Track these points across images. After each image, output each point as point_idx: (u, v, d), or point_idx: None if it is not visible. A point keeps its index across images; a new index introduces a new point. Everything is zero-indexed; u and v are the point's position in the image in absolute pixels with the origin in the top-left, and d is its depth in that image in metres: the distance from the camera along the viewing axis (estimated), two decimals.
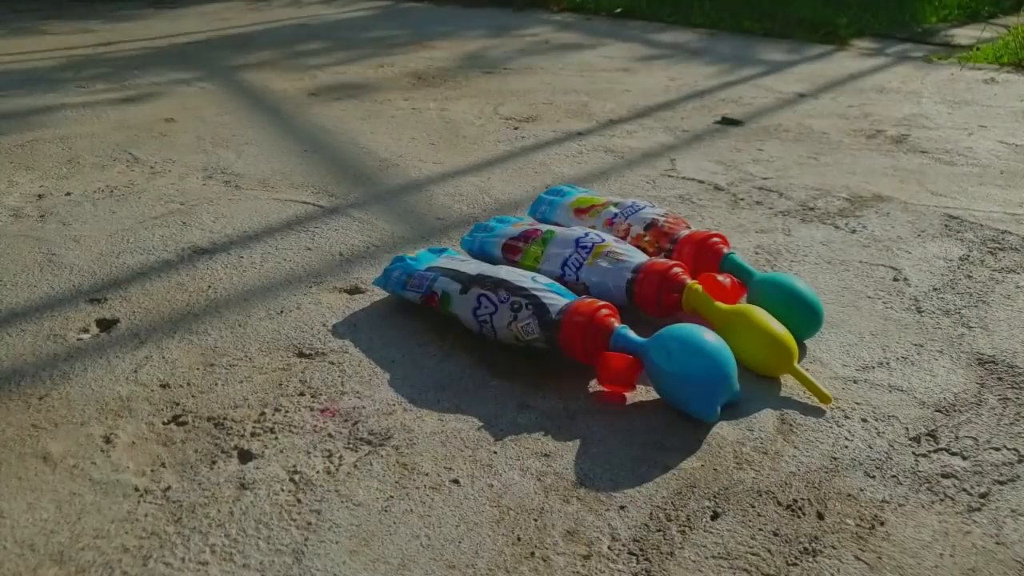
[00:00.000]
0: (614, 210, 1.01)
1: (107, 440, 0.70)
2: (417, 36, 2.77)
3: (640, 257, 0.88)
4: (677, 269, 0.85)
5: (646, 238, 0.96)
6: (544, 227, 0.97)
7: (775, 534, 0.60)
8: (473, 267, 0.88)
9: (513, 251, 0.96)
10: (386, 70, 2.22)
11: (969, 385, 0.77)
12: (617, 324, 0.77)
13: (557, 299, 0.80)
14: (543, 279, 0.83)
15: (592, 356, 0.76)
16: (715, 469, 0.66)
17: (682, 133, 1.62)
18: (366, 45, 2.61)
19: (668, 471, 0.66)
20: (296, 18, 3.23)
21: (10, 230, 1.15)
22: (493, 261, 0.96)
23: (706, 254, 0.92)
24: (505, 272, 0.85)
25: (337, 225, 1.16)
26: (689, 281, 0.85)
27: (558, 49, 2.53)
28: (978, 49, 2.32)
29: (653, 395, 0.76)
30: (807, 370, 0.79)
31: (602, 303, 0.78)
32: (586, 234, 0.92)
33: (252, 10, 3.48)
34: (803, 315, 0.84)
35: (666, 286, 0.84)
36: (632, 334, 0.76)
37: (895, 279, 0.98)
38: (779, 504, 0.63)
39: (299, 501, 0.63)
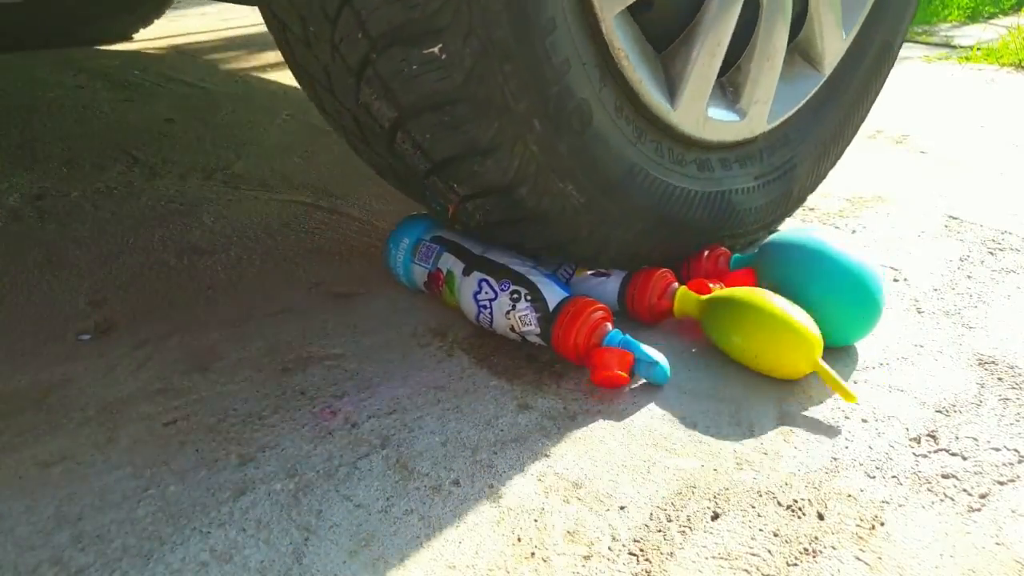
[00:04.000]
0: None
1: (107, 440, 0.70)
2: None
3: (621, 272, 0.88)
4: (665, 279, 0.85)
5: None
6: None
7: (775, 534, 0.60)
8: (477, 243, 0.88)
9: None
10: None
11: (969, 385, 0.77)
12: (611, 327, 0.77)
13: (556, 292, 0.79)
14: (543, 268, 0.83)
15: (583, 357, 0.77)
16: (715, 469, 0.66)
17: None
18: None
19: (668, 471, 0.66)
20: None
21: (10, 230, 1.15)
22: None
23: (711, 258, 0.92)
24: (507, 256, 0.84)
25: (337, 225, 1.16)
26: (679, 286, 0.85)
27: None
28: (978, 49, 2.32)
29: (652, 394, 0.76)
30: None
31: (597, 304, 0.78)
32: None
33: (253, 11, 3.48)
34: (846, 300, 0.77)
35: (657, 292, 0.84)
36: (626, 336, 0.76)
37: (895, 279, 0.98)
38: (779, 504, 0.63)
39: (299, 501, 0.63)
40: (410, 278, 0.92)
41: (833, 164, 1.07)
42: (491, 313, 0.81)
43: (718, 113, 0.83)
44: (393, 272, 0.94)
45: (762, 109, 0.87)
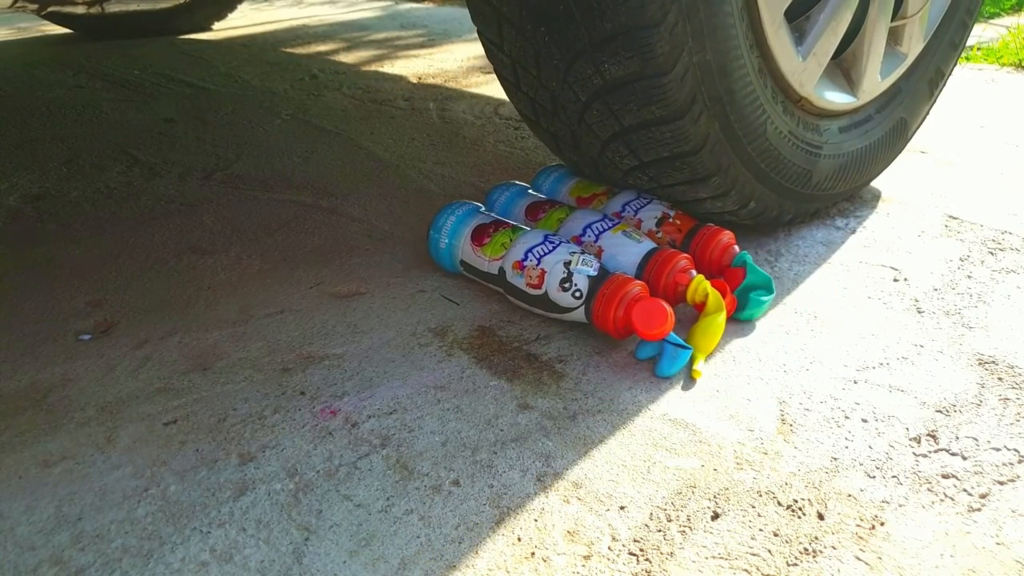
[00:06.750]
0: (620, 200, 1.02)
1: (107, 440, 0.70)
2: (418, 37, 2.78)
3: (651, 244, 0.91)
4: (684, 261, 0.87)
5: (659, 234, 0.97)
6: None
7: (775, 534, 0.60)
8: None
9: (536, 212, 1.00)
10: (386, 71, 2.22)
11: (969, 385, 0.77)
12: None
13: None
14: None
15: (620, 329, 0.80)
16: (715, 469, 0.66)
17: None
18: (367, 46, 2.61)
19: (668, 471, 0.66)
20: (297, 19, 3.23)
21: (10, 230, 1.15)
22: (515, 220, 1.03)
23: (718, 249, 0.93)
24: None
25: (337, 225, 1.16)
26: (697, 274, 0.86)
27: None
28: (978, 49, 2.32)
29: (652, 394, 0.76)
30: (807, 370, 0.79)
31: (637, 281, 0.82)
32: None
33: (253, 10, 3.49)
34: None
35: (678, 268, 0.86)
36: None
37: (895, 279, 0.98)
38: (779, 504, 0.63)
39: (299, 501, 0.63)
40: (458, 226, 0.94)
41: (848, 188, 1.15)
42: (552, 247, 0.85)
43: (792, 49, 0.96)
44: (439, 218, 0.96)
45: (815, 68, 0.99)
